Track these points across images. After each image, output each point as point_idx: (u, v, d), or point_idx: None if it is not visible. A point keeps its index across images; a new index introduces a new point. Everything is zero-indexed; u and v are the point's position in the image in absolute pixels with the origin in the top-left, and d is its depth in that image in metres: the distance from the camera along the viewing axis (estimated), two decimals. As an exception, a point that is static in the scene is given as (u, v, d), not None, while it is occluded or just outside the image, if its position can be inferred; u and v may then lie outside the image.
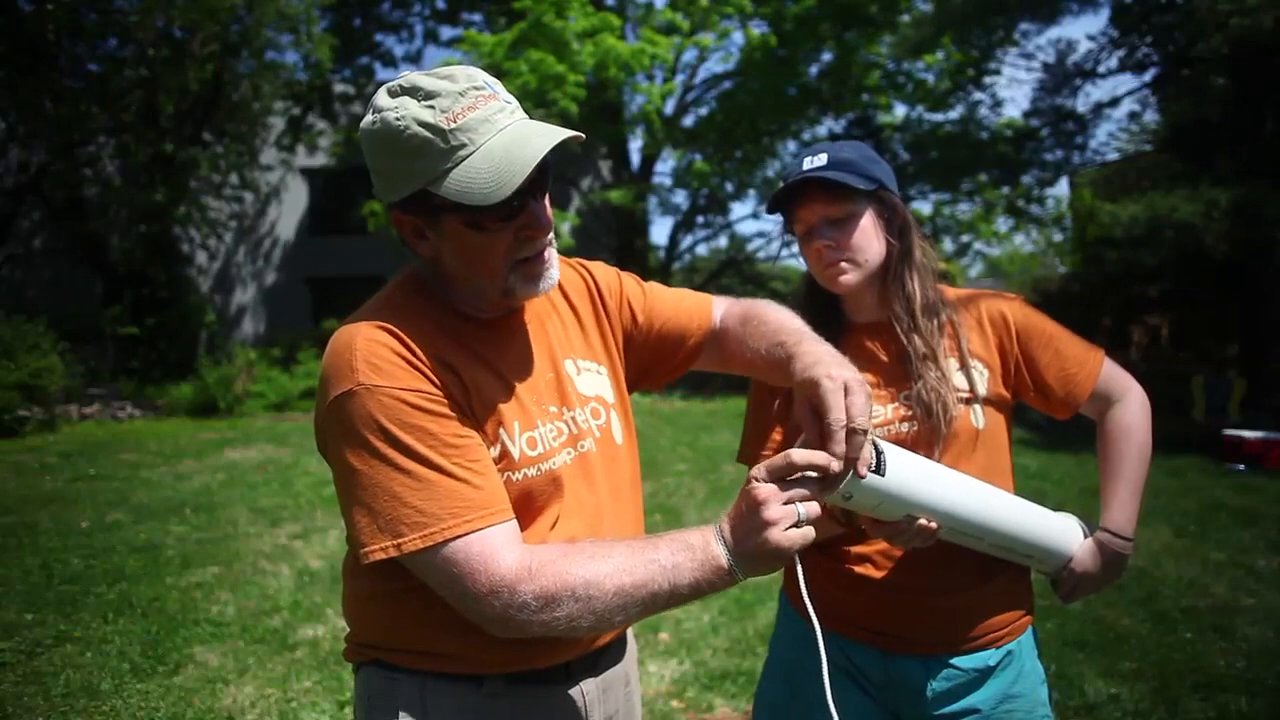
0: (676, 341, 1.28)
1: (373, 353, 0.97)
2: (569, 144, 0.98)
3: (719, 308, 1.30)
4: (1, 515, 5.84)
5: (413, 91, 0.96)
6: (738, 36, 15.60)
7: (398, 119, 0.95)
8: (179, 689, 3.19)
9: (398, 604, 1.00)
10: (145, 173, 13.99)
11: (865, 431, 0.95)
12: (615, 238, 17.12)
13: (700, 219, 18.98)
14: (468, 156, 0.94)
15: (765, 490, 0.92)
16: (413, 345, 0.99)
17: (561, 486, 1.07)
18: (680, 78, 17.01)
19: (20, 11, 13.38)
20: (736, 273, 21.71)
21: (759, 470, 0.94)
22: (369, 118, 0.99)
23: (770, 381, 1.22)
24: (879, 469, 1.02)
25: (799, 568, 0.99)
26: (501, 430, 1.04)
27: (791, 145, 17.43)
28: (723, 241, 21.18)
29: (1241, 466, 7.54)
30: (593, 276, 1.26)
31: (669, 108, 16.65)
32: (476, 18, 18.47)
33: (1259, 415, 9.13)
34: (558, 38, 13.11)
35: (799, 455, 0.93)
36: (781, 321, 1.18)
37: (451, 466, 0.96)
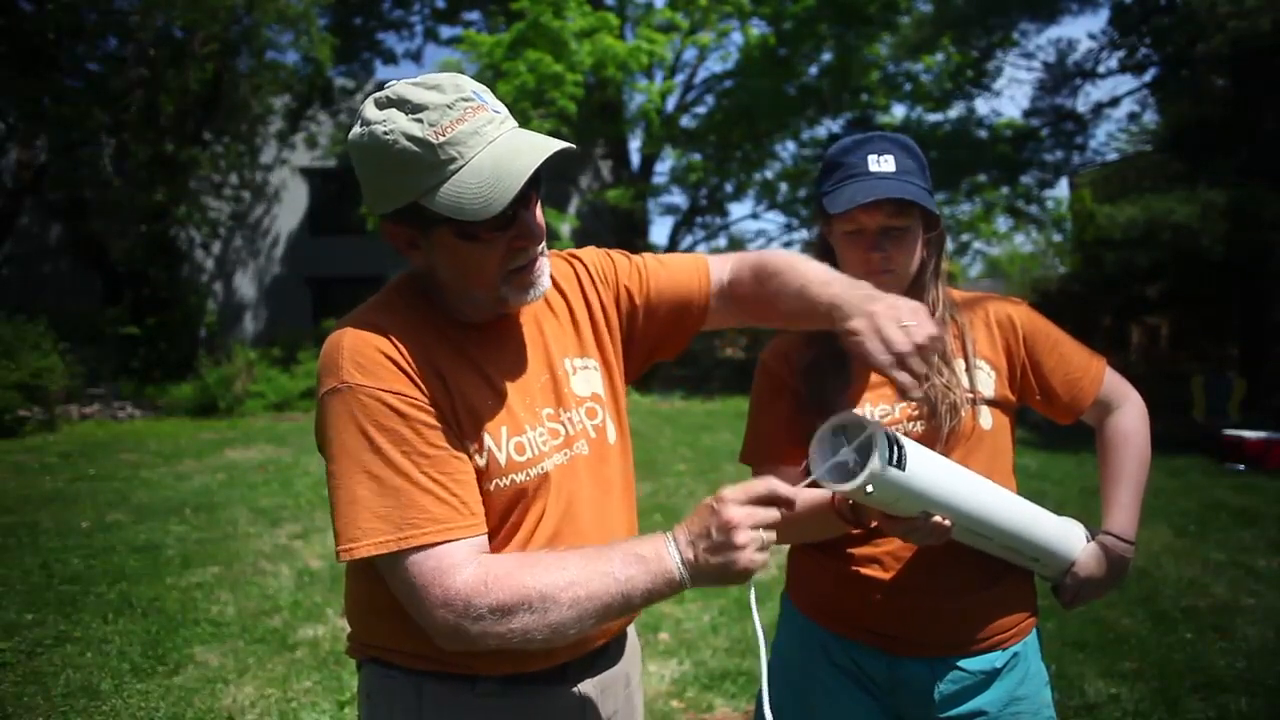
0: (682, 310, 1.26)
1: (359, 352, 0.98)
2: (567, 141, 0.98)
3: (719, 266, 1.28)
4: (1, 515, 5.84)
5: (400, 104, 0.96)
6: (737, 36, 15.63)
7: (386, 133, 0.95)
8: (179, 689, 3.19)
9: (393, 604, 1.00)
10: (145, 173, 13.99)
11: (916, 349, 0.97)
12: (615, 238, 17.11)
13: (700, 219, 18.99)
14: (457, 171, 0.94)
15: (739, 514, 0.93)
16: (401, 348, 0.99)
17: (550, 490, 1.07)
18: (680, 77, 17.04)
19: (20, 11, 13.39)
20: (736, 273, 21.70)
21: (733, 492, 0.95)
22: (357, 129, 0.98)
23: (804, 327, 1.20)
24: (899, 464, 1.02)
25: (751, 592, 1.03)
26: (487, 436, 1.03)
27: (791, 145, 17.44)
28: (722, 242, 21.20)
29: (1241, 466, 7.52)
30: (583, 265, 1.25)
31: (669, 106, 16.66)
32: (475, 16, 18.49)
33: (1259, 415, 9.12)
34: (556, 37, 13.11)
35: (783, 489, 0.95)
36: (797, 268, 1.16)
37: (420, 475, 0.96)
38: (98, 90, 13.99)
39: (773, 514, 0.95)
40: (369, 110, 0.98)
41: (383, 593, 1.01)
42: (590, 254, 1.28)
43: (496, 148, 0.96)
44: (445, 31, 19.06)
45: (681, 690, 3.19)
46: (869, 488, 1.02)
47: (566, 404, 1.13)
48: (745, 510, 0.93)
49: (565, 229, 13.73)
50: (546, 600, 0.92)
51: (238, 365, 13.29)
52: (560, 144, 0.98)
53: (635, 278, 1.26)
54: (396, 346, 0.99)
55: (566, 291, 1.21)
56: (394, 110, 0.96)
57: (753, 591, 1.03)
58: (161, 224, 14.40)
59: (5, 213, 15.00)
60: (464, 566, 0.94)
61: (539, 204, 1.05)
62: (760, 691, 1.02)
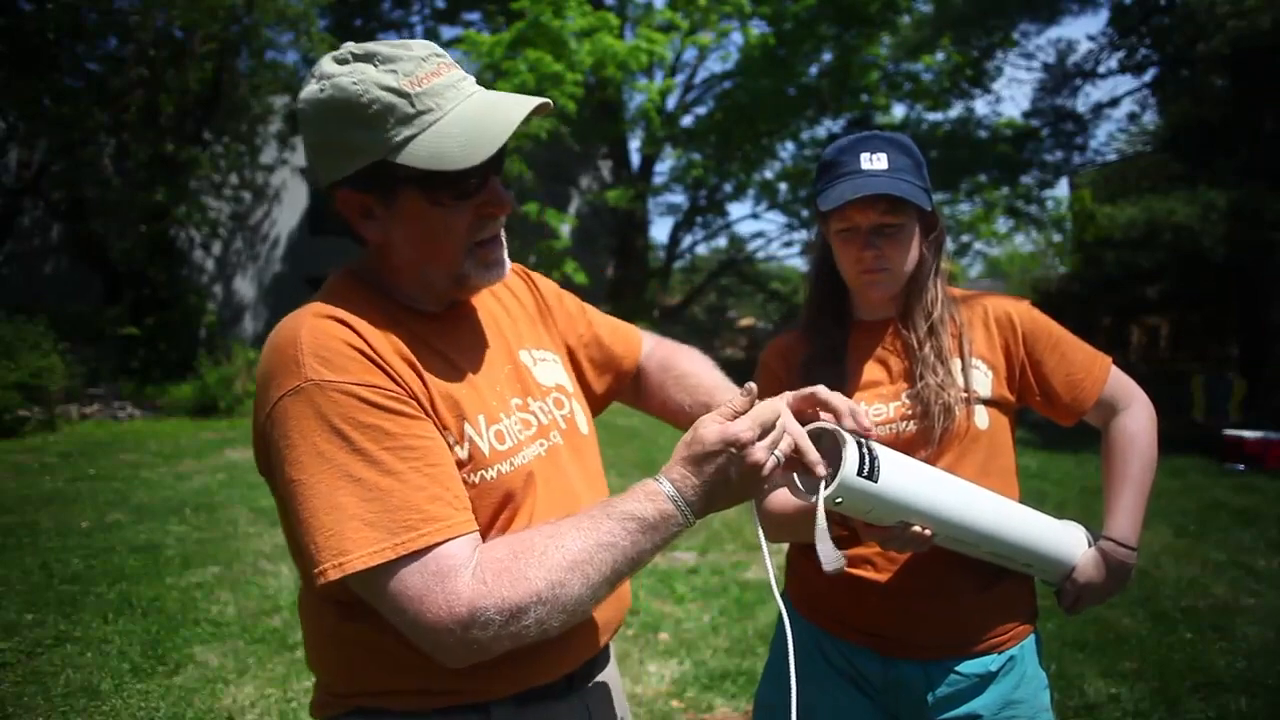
0: (607, 367, 1.27)
1: (322, 345, 0.87)
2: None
3: (646, 344, 1.30)
4: (1, 515, 5.83)
5: (368, 57, 0.90)
6: (737, 36, 15.65)
7: (355, 83, 0.88)
8: (179, 689, 3.19)
9: (379, 637, 0.89)
10: (145, 173, 13.99)
11: (754, 438, 0.93)
12: (615, 238, 17.12)
13: (700, 219, 19.02)
14: (435, 122, 0.89)
15: (748, 433, 0.89)
16: (366, 336, 0.90)
17: (535, 482, 0.99)
18: (680, 77, 17.07)
19: (20, 11, 13.39)
20: (736, 273, 21.71)
21: (741, 425, 0.91)
22: (313, 86, 0.91)
23: (676, 420, 1.25)
24: (872, 474, 1.00)
25: (756, 517, 1.05)
26: (467, 426, 0.95)
27: (791, 145, 17.45)
28: (722, 241, 21.21)
29: (1241, 466, 7.54)
30: (535, 281, 1.25)
31: (669, 106, 16.67)
32: (475, 16, 18.51)
33: (1259, 415, 9.13)
34: (556, 37, 13.13)
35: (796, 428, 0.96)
36: (704, 379, 1.20)
37: (409, 472, 0.85)
38: (98, 90, 13.98)
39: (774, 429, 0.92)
40: (328, 65, 0.91)
41: (364, 628, 0.91)
42: (541, 276, 1.28)
43: (476, 100, 0.92)
44: (446, 32, 19.14)
45: (681, 690, 3.19)
46: (838, 499, 1.00)
47: (533, 393, 1.08)
48: (749, 430, 0.90)
49: (565, 229, 13.73)
50: (555, 586, 0.84)
51: (238, 365, 13.27)
52: (540, 99, 0.93)
53: (581, 315, 1.27)
54: (360, 336, 0.90)
55: (518, 292, 1.20)
56: (361, 64, 0.90)
57: (754, 512, 1.03)
58: (161, 224, 14.38)
59: (5, 213, 15.00)
60: (466, 568, 0.84)
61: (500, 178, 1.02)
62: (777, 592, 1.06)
